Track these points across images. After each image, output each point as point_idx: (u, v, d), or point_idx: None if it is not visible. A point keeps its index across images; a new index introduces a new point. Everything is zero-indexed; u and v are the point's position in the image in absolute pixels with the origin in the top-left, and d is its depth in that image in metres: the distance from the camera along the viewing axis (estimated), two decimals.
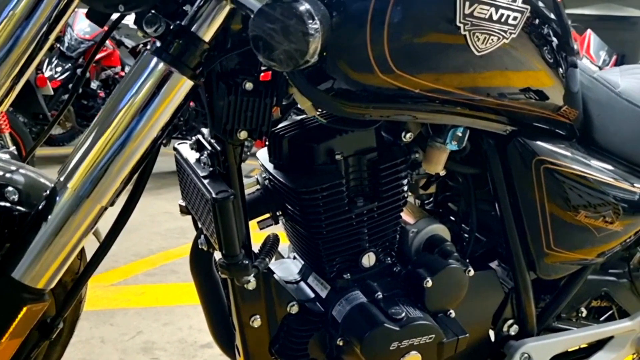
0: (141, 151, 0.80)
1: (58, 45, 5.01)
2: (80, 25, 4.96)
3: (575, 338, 1.19)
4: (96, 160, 0.79)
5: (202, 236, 1.09)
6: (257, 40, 0.75)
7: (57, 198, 0.82)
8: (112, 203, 0.82)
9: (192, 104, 4.41)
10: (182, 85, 0.79)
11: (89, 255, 0.93)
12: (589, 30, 5.02)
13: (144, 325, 2.13)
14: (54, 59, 4.91)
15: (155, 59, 0.79)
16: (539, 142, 1.06)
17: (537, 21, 0.94)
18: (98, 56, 4.95)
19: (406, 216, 1.12)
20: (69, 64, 4.92)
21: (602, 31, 5.79)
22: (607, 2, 7.75)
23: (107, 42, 4.91)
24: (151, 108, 0.78)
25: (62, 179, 0.82)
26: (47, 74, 4.63)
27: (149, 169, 0.89)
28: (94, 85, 5.06)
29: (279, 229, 1.08)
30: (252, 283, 0.98)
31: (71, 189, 0.80)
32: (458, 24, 0.83)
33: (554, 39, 0.98)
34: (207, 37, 0.79)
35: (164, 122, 0.80)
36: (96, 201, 0.80)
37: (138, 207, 0.89)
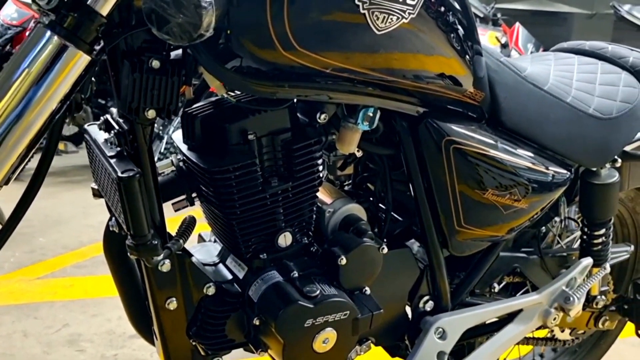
0: (38, 125, 0.78)
1: None
2: (7, 11, 4.72)
3: (486, 312, 1.25)
4: None
5: (113, 218, 1.07)
6: (151, 13, 0.74)
7: None
8: (7, 181, 0.79)
9: None
10: (78, 60, 0.77)
11: None
12: (517, 24, 5.22)
13: (70, 317, 2.07)
14: None
15: (48, 33, 0.76)
16: (448, 124, 1.10)
17: (439, 7, 0.97)
18: None
19: (323, 196, 1.13)
20: None
21: (534, 26, 6.00)
22: None
23: None
24: (46, 82, 0.76)
25: None
26: None
27: (53, 146, 0.87)
28: None
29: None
30: (166, 265, 0.98)
31: None
32: (357, 2, 0.85)
33: (459, 27, 1.02)
34: (105, 11, 0.77)
35: (61, 97, 0.78)
36: None
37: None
